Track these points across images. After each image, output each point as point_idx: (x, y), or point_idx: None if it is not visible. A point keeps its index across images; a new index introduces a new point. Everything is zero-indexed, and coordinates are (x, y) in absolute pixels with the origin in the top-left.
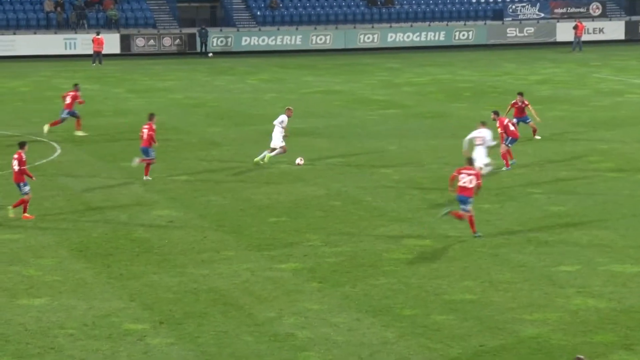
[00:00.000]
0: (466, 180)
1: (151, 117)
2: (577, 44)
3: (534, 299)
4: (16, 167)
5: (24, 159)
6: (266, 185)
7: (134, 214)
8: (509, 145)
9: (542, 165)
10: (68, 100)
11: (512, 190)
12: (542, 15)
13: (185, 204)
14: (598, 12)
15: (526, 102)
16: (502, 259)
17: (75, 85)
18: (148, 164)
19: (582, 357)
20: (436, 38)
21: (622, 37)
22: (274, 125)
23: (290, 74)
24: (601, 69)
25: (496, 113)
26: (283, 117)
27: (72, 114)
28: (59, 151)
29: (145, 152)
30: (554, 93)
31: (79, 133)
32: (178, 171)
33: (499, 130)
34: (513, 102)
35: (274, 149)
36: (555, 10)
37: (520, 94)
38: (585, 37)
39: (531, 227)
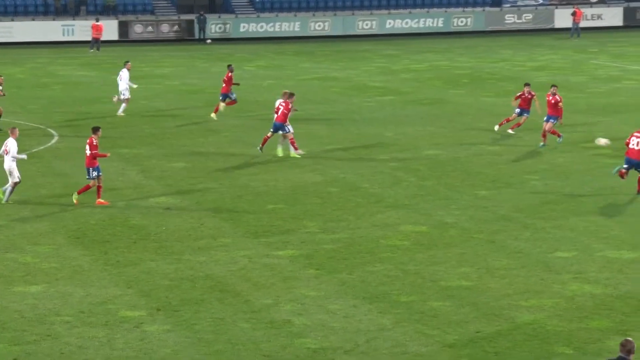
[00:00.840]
0: (634, 143)
1: (291, 95)
2: (575, 31)
3: (530, 285)
4: (87, 152)
5: (94, 144)
6: (264, 172)
7: (131, 201)
8: (554, 122)
9: (538, 151)
10: (224, 83)
11: (509, 177)
12: (540, 1)
13: (182, 191)
14: None
15: (533, 94)
16: (498, 245)
17: (229, 66)
18: (292, 141)
19: (630, 339)
20: (434, 24)
21: (620, 23)
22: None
23: (288, 60)
24: (599, 55)
25: (555, 87)
26: (281, 102)
27: (226, 96)
28: (56, 138)
29: (281, 127)
30: (551, 79)
31: (217, 112)
32: (175, 158)
33: (560, 105)
34: (520, 93)
35: (284, 137)
36: None
37: (527, 84)
38: (583, 24)
39: (528, 214)
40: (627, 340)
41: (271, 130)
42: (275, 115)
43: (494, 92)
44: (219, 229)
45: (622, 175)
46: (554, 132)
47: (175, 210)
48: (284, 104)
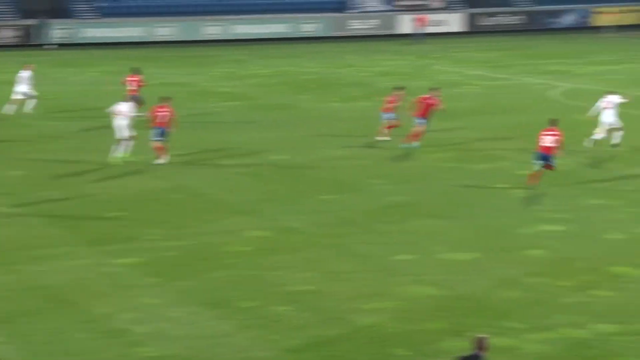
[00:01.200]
0: (548, 140)
1: (167, 99)
2: (418, 36)
3: (372, 289)
4: None
5: None
6: (107, 179)
7: None
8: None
9: (383, 155)
10: (132, 86)
11: (354, 181)
12: (385, 7)
13: (21, 200)
14: (440, 4)
15: (403, 96)
16: (342, 249)
17: (134, 69)
18: (162, 147)
19: (484, 336)
20: (281, 30)
21: (462, 29)
22: (115, 117)
23: (132, 65)
24: (441, 60)
25: (437, 89)
26: (126, 106)
27: (135, 99)
28: None
29: (162, 133)
30: (396, 85)
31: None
32: (14, 166)
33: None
34: (392, 97)
35: (121, 141)
36: (398, 3)
37: (400, 88)
38: (426, 29)
39: (372, 217)
40: (480, 337)
41: (159, 138)
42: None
43: (340, 98)
44: (59, 238)
45: (539, 175)
46: (417, 136)
47: (14, 219)
48: (168, 110)
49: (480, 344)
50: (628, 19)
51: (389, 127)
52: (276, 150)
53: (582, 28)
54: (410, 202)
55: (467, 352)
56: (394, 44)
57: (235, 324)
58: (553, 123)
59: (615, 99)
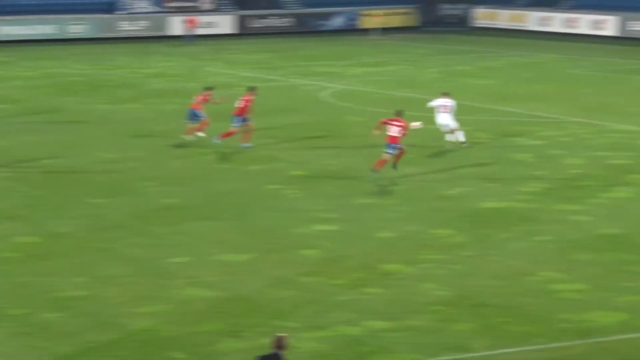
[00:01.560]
0: (395, 130)
1: None
2: (189, 38)
3: (145, 292)
4: None
5: None
6: None
7: None
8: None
9: (156, 157)
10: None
11: (126, 184)
12: (154, 8)
13: None
14: (209, 6)
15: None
16: (113, 253)
17: None
18: None
19: (283, 335)
20: (47, 31)
21: (233, 31)
22: None
23: None
24: (213, 62)
25: (255, 88)
26: None
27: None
28: None
29: None
30: (167, 86)
31: None
32: None
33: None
34: (202, 96)
35: None
36: (167, 4)
37: (209, 88)
38: (197, 31)
39: (144, 220)
40: (280, 336)
41: None
42: None
43: (109, 99)
44: None
45: (385, 161)
46: (230, 133)
47: None
48: None
49: (280, 343)
50: (393, 21)
51: (199, 127)
52: (44, 154)
53: (351, 30)
54: (184, 204)
55: (267, 351)
56: (165, 45)
57: (3, 333)
58: (399, 114)
59: (449, 102)
